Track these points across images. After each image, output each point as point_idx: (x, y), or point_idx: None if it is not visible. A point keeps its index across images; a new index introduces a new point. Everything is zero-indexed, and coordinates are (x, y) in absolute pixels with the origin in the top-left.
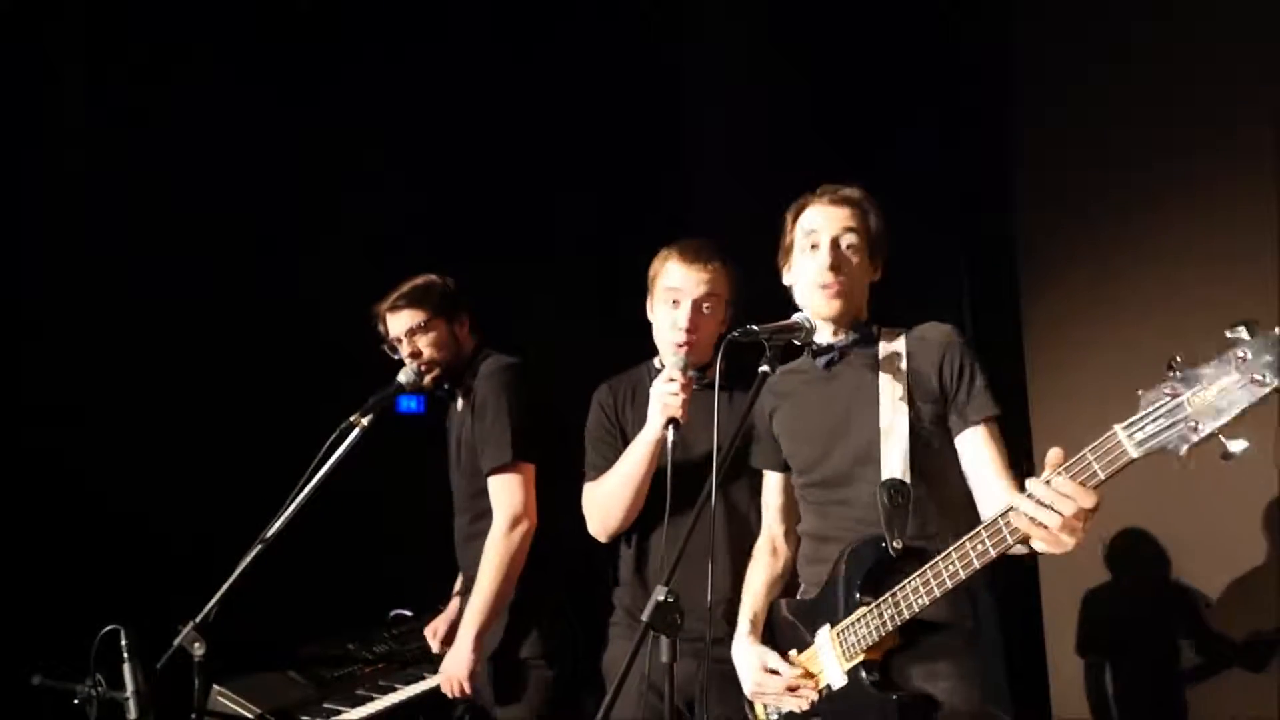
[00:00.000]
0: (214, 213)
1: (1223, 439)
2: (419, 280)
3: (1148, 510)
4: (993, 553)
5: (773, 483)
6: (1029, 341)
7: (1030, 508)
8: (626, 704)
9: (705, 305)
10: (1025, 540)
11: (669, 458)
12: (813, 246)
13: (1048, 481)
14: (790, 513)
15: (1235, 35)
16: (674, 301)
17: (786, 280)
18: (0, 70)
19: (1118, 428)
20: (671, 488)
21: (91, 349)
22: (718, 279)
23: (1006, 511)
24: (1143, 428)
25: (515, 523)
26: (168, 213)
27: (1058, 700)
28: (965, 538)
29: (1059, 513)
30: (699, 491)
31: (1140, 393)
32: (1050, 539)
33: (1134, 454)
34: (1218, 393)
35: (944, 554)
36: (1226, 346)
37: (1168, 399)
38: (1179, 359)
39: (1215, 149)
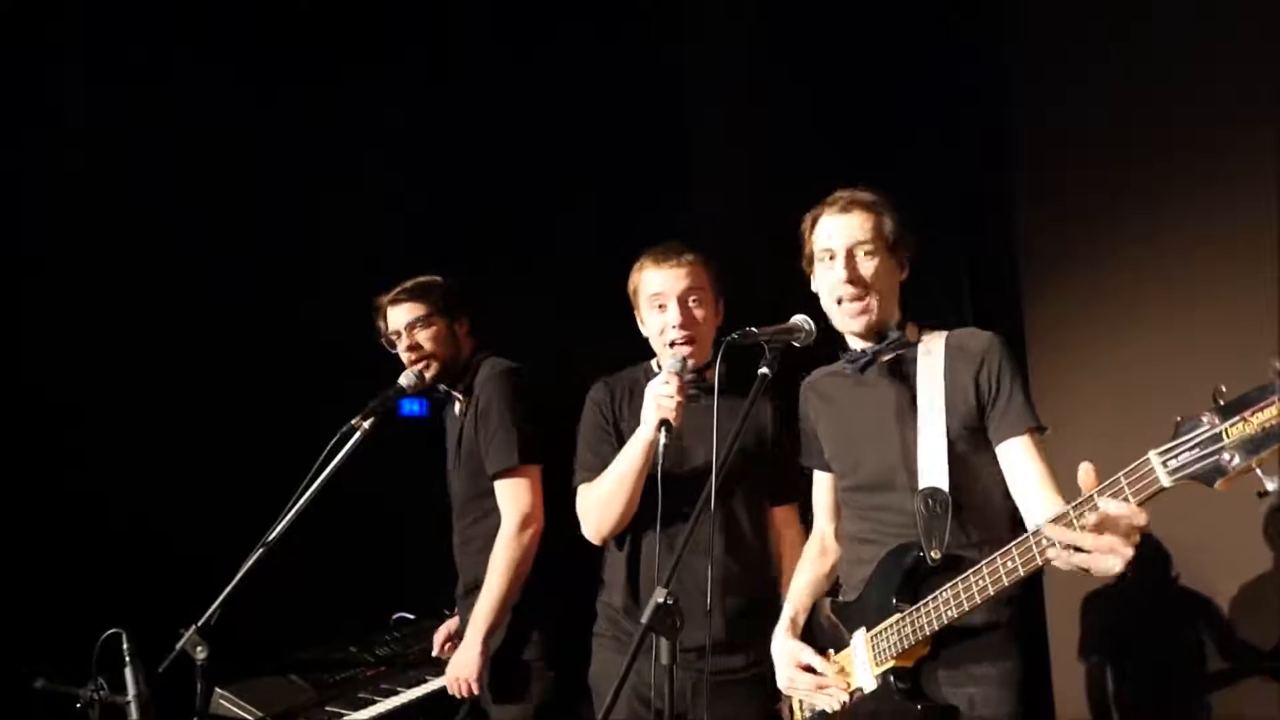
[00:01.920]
0: (214, 213)
1: (1260, 474)
2: (422, 277)
3: (1151, 512)
4: (1022, 572)
5: (821, 483)
6: (1030, 341)
7: (1057, 533)
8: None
9: (691, 300)
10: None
11: (660, 461)
12: (830, 259)
13: (1076, 506)
14: (838, 512)
15: (1235, 35)
16: (660, 306)
17: (815, 288)
18: (0, 70)
19: (1152, 454)
20: (663, 492)
21: (92, 350)
22: (696, 272)
23: (1035, 532)
24: (1176, 456)
25: (524, 525)
26: (167, 213)
27: (1060, 703)
28: (997, 554)
29: (1091, 535)
30: (694, 496)
31: (1178, 419)
32: (1089, 561)
33: (1165, 482)
34: (1257, 426)
35: (975, 568)
36: (1272, 378)
37: (1205, 428)
38: (1224, 388)
39: (1215, 149)
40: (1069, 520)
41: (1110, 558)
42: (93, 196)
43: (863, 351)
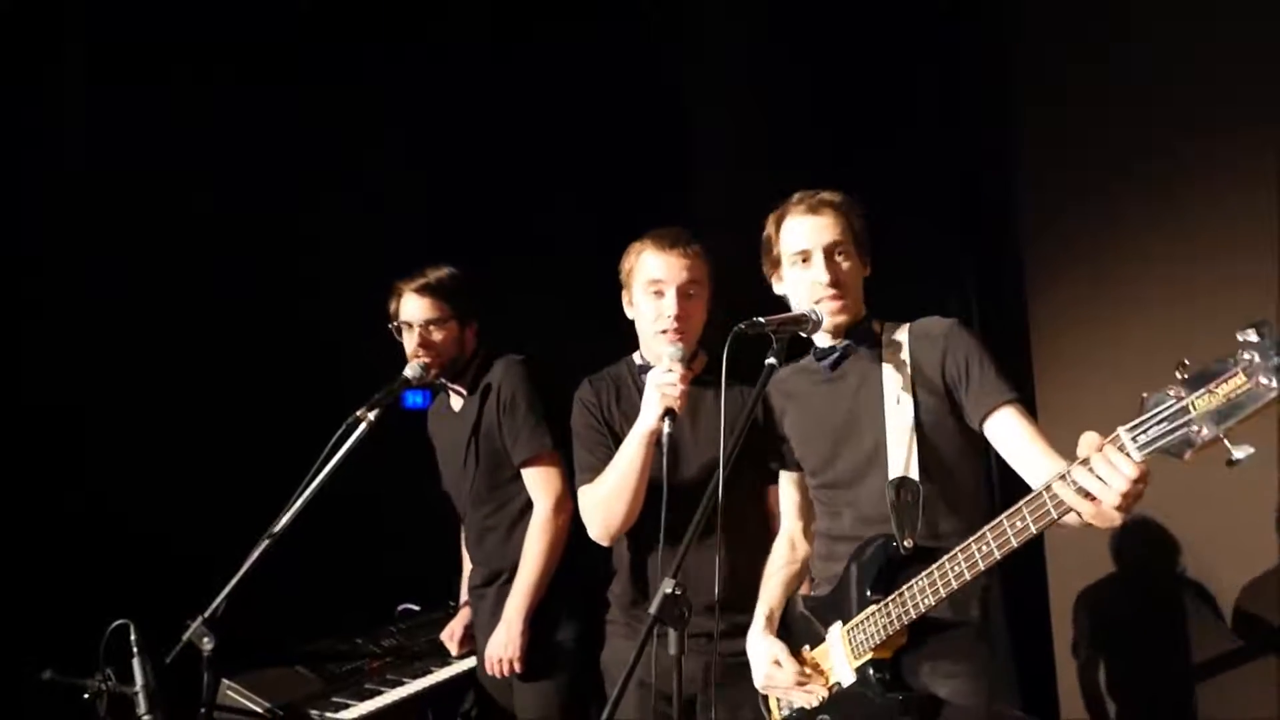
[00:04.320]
0: (213, 212)
1: (1227, 445)
2: (447, 272)
3: (1155, 509)
4: (997, 554)
5: (788, 481)
6: (1035, 339)
7: (1082, 476)
8: (626, 705)
9: (690, 291)
10: (1028, 540)
11: (664, 451)
12: (804, 261)
13: (1100, 449)
14: (807, 510)
15: (1236, 34)
16: (657, 293)
17: (778, 290)
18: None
19: (1121, 430)
20: (668, 482)
21: (94, 346)
22: (698, 265)
23: (1039, 493)
24: (1145, 430)
25: (559, 508)
26: (166, 213)
27: (1065, 701)
28: (971, 539)
29: (1108, 482)
30: (695, 485)
31: (1144, 395)
32: (1098, 514)
33: (1136, 457)
34: (1223, 397)
35: (950, 554)
36: (1236, 349)
37: (1172, 402)
38: (1187, 362)
39: (1216, 146)
40: (1068, 475)
41: (1115, 513)
42: (93, 197)
43: (832, 348)
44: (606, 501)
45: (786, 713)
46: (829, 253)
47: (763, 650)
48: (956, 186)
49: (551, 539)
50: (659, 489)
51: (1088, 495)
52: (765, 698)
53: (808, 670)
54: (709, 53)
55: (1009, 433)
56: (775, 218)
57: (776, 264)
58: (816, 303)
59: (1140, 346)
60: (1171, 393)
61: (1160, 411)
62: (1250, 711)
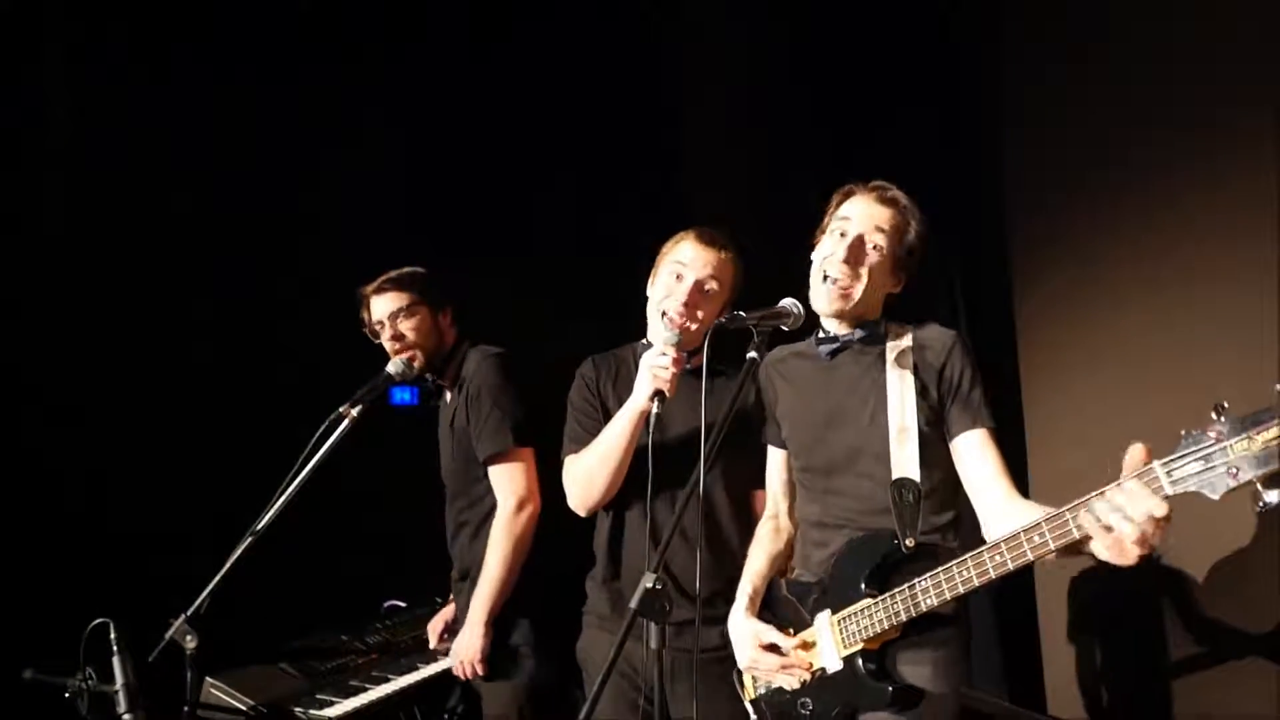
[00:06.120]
0: (202, 214)
1: (1260, 488)
2: (407, 269)
3: None
4: (1010, 566)
5: (778, 459)
6: (1022, 338)
7: (1103, 510)
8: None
9: (708, 286)
10: (1054, 554)
11: (650, 434)
12: (841, 234)
13: (1119, 484)
14: (793, 489)
15: (1235, 34)
16: (678, 275)
17: (814, 256)
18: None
19: (1156, 464)
20: (653, 467)
21: (78, 344)
22: (726, 267)
23: (1062, 513)
24: (1181, 466)
25: (521, 506)
26: (161, 213)
27: (1053, 695)
28: (985, 547)
29: (1130, 517)
30: (677, 474)
31: (1183, 432)
32: (1116, 548)
33: (1169, 491)
34: (1262, 444)
35: (960, 560)
36: (1276, 400)
37: (1210, 442)
38: (1225, 404)
39: (1214, 150)
40: (1099, 501)
41: (1135, 549)
42: (89, 197)
43: (834, 336)
44: (588, 473)
45: (763, 690)
46: (864, 238)
47: (747, 630)
48: (948, 188)
49: (515, 538)
50: (642, 469)
51: (1108, 528)
52: (740, 674)
53: (793, 653)
54: (705, 50)
55: (978, 455)
56: (844, 192)
57: (822, 231)
58: (823, 277)
59: (1128, 346)
60: (1211, 433)
61: (1198, 450)
62: (1244, 706)
